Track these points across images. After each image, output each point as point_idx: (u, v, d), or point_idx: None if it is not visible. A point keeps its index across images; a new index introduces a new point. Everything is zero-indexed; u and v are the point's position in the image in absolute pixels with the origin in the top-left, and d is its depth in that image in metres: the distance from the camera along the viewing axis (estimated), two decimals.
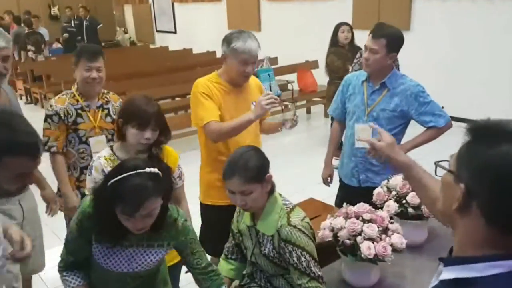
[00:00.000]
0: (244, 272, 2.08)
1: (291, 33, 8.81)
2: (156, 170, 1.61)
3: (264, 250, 1.90)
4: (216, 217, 2.64)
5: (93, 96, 2.67)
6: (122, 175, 1.56)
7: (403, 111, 2.70)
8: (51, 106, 2.64)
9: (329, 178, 3.06)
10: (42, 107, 9.00)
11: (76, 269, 1.80)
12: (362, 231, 2.02)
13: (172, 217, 1.77)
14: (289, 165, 5.22)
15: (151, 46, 12.29)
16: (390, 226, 2.02)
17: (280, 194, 1.97)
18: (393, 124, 2.73)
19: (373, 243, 1.90)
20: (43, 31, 10.12)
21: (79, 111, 2.64)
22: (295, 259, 1.78)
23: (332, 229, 2.13)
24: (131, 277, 1.78)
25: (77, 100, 2.65)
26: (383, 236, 1.95)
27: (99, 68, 2.62)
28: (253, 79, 2.70)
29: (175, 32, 12.29)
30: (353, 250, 2.02)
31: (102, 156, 2.17)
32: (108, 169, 2.07)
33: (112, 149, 2.20)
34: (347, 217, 2.11)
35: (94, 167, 2.16)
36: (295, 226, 1.81)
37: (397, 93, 2.70)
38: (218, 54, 9.58)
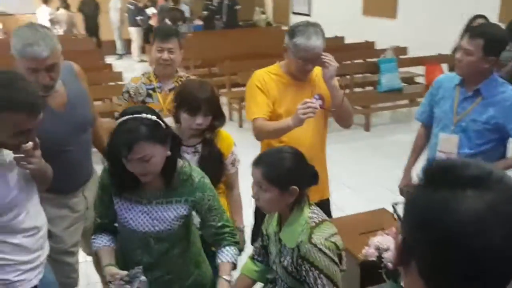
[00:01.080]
0: (268, 276, 2.00)
1: (427, 23, 8.12)
2: (154, 117, 1.65)
3: (284, 261, 1.78)
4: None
5: (167, 77, 2.69)
6: (120, 119, 1.64)
7: (497, 125, 2.31)
8: (127, 83, 2.73)
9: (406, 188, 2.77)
10: None
11: (104, 232, 1.89)
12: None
13: (187, 173, 1.79)
14: (383, 167, 4.90)
15: (283, 28, 12.36)
16: None
17: (311, 205, 1.82)
18: (484, 138, 2.35)
19: None
20: (185, 7, 10.78)
21: (150, 91, 2.66)
22: (311, 279, 1.65)
23: (378, 248, 1.95)
24: (154, 239, 1.81)
25: (151, 81, 2.68)
26: None
27: (171, 49, 2.59)
28: (319, 69, 2.50)
29: (309, 15, 12.17)
30: (395, 275, 1.82)
31: None
32: None
33: None
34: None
35: None
36: (315, 245, 1.65)
37: (494, 103, 2.31)
38: (347, 40, 9.28)
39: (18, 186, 1.70)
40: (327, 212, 2.63)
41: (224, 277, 1.80)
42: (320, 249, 1.64)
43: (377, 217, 2.70)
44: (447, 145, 2.42)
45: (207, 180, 1.86)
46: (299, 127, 2.24)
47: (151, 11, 11.31)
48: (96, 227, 1.91)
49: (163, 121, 1.71)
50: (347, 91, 6.88)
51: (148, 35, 12.03)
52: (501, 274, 0.70)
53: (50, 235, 2.31)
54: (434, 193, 0.72)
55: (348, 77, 6.92)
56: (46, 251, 1.91)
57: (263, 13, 14.02)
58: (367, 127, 6.43)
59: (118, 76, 6.19)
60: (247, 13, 13.42)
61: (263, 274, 1.98)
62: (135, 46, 11.86)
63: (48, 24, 10.96)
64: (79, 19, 11.80)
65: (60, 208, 2.30)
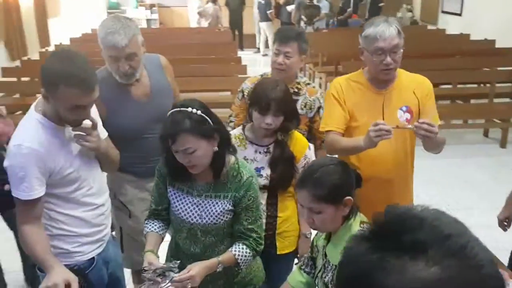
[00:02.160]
0: None
1: None
2: (199, 112, 1.67)
3: (325, 277, 1.65)
4: None
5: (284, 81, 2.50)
6: (169, 112, 1.71)
7: None
8: (244, 83, 2.63)
9: (506, 221, 2.38)
10: (304, 75, 9.70)
11: (157, 219, 1.96)
12: None
13: (237, 170, 1.81)
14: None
15: (429, 27, 11.53)
16: None
17: (363, 223, 1.65)
18: None
19: None
20: (324, 3, 10.68)
21: None
22: None
23: None
24: (201, 231, 1.84)
25: None
26: None
27: (288, 53, 2.39)
28: (410, 77, 2.25)
29: (460, 14, 11.16)
30: None
31: (232, 134, 2.21)
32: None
33: (243, 129, 2.24)
34: None
35: None
36: None
37: None
38: (498, 44, 8.30)
39: (80, 160, 1.83)
40: None
41: (219, 258, 1.80)
42: None
43: None
44: None
45: (254, 180, 1.84)
46: (380, 142, 1.98)
47: (291, 7, 11.46)
48: (150, 213, 1.98)
49: (211, 117, 1.71)
50: (486, 100, 6.16)
51: None
52: None
53: (130, 216, 2.49)
54: (373, 251, 0.58)
55: (488, 85, 6.19)
56: (108, 229, 2.04)
57: (410, 10, 13.25)
58: (503, 143, 5.71)
59: (243, 69, 6.39)
60: (392, 10, 12.81)
61: (309, 286, 1.86)
62: (262, 40, 12.17)
63: (196, 17, 11.80)
64: (225, 13, 12.47)
65: (140, 191, 2.44)
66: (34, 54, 8.18)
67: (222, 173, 1.79)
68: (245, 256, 1.82)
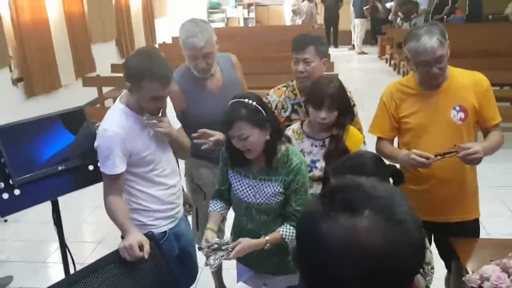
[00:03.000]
0: None
1: None
2: (254, 103, 1.89)
3: None
4: None
5: None
6: (229, 102, 1.93)
7: None
8: (268, 94, 2.56)
9: None
10: (398, 73, 9.50)
11: (220, 199, 2.22)
12: None
13: (288, 157, 2.00)
14: None
15: None
16: None
17: None
18: None
19: None
20: (422, 0, 10.32)
21: (296, 107, 2.49)
22: None
23: (481, 277, 1.78)
24: (256, 210, 2.07)
25: (295, 94, 2.49)
26: None
27: (307, 59, 2.37)
28: (464, 74, 2.25)
29: None
30: None
31: (291, 128, 2.38)
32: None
33: (301, 124, 2.38)
34: (504, 268, 1.71)
35: None
36: None
37: None
38: None
39: (156, 144, 2.13)
40: (472, 235, 2.41)
41: (267, 238, 1.99)
42: None
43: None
44: None
45: (303, 166, 2.02)
46: (434, 143, 2.15)
47: (390, 4, 11.23)
48: (215, 193, 2.24)
49: (265, 109, 1.93)
50: None
51: (379, 27, 12.04)
52: None
53: (205, 197, 2.77)
54: (320, 206, 0.76)
55: None
56: (179, 207, 2.34)
57: None
58: None
59: (330, 66, 6.49)
60: (497, 4, 11.95)
61: None
62: (357, 37, 12.05)
63: (290, 15, 12.03)
64: (320, 10, 12.55)
65: (214, 175, 2.71)
66: None
67: (273, 159, 1.99)
68: (292, 235, 2.01)
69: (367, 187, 0.75)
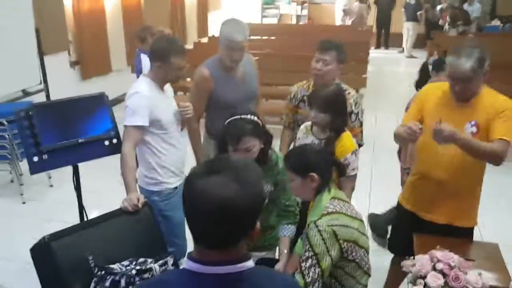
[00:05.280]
0: None
1: None
2: (255, 118, 2.21)
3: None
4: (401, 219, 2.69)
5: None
6: (230, 119, 2.22)
7: None
8: (293, 86, 3.01)
9: None
10: None
11: None
12: (426, 277, 1.92)
13: (274, 161, 2.33)
14: None
15: None
16: None
17: (334, 198, 2.01)
18: None
19: None
20: (476, 7, 10.15)
21: (304, 98, 2.83)
22: (305, 252, 1.91)
23: (413, 264, 2.05)
24: None
25: (309, 88, 2.86)
26: None
27: (326, 61, 2.69)
28: (494, 97, 2.30)
29: None
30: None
31: (305, 125, 2.67)
32: (301, 135, 2.63)
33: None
34: (431, 257, 1.99)
35: None
36: (317, 226, 1.89)
37: None
38: None
39: (167, 116, 2.59)
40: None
41: (285, 250, 2.35)
42: (319, 230, 1.87)
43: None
44: None
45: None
46: (443, 147, 2.22)
47: (439, 7, 11.12)
48: None
49: (260, 122, 2.26)
50: None
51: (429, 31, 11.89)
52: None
53: None
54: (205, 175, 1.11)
55: None
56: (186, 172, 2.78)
57: None
58: None
59: (363, 68, 6.66)
60: None
61: None
62: (408, 40, 11.98)
63: (341, 14, 12.16)
64: (371, 11, 12.55)
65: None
66: (190, 44, 9.35)
67: (266, 163, 2.29)
68: (292, 230, 2.41)
69: (233, 161, 1.12)
